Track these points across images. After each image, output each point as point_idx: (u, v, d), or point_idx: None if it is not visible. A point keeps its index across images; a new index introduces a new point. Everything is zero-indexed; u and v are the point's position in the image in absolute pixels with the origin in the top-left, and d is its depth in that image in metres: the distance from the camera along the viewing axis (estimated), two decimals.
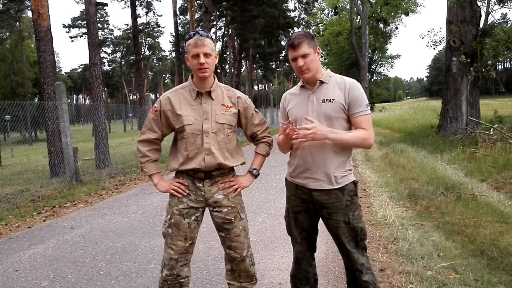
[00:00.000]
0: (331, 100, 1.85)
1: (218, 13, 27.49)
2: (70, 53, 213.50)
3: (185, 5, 30.83)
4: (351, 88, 1.86)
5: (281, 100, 2.13)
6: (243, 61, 32.12)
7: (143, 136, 2.08)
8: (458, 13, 10.99)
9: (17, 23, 34.61)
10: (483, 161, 6.96)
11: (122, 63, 54.16)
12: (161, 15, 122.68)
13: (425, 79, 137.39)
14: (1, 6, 32.16)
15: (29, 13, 29.33)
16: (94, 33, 9.55)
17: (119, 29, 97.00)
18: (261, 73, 49.39)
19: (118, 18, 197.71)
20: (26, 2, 29.37)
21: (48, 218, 4.94)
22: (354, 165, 2.07)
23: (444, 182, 5.51)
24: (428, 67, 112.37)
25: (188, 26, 32.44)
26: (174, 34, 25.06)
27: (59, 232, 4.29)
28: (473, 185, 5.46)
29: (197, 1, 26.11)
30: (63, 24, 49.90)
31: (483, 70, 10.86)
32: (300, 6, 37.03)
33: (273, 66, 45.11)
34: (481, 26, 11.31)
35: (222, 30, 33.17)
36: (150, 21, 48.29)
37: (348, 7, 30.89)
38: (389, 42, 36.38)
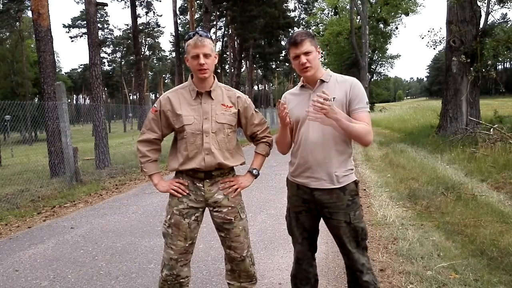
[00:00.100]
0: (332, 99, 1.85)
1: (218, 13, 27.50)
2: (70, 53, 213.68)
3: (185, 5, 30.83)
4: (352, 85, 1.87)
5: (280, 100, 2.13)
6: (243, 61, 32.11)
7: (143, 136, 2.08)
8: (458, 13, 10.99)
9: (17, 23, 34.61)
10: (483, 161, 6.96)
11: (122, 63, 54.18)
12: (161, 15, 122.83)
13: (425, 79, 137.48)
14: (1, 6, 32.17)
15: (29, 13, 29.36)
16: (94, 33, 9.55)
17: (119, 29, 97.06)
18: (261, 73, 49.39)
19: (118, 18, 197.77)
20: (26, 2, 29.38)
21: (48, 218, 4.94)
22: (354, 165, 2.07)
23: (444, 182, 5.51)
24: (428, 67, 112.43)
25: (188, 26, 32.46)
26: (174, 34, 25.08)
27: (59, 232, 4.29)
28: (473, 185, 5.46)
29: (197, 1, 26.12)
30: (63, 24, 49.94)
31: (483, 70, 10.87)
32: (300, 6, 37.07)
33: (273, 66, 45.10)
34: (481, 26, 11.32)
35: (222, 30, 33.20)
36: (150, 21, 48.35)
37: (348, 7, 30.90)
38: (389, 42, 36.37)
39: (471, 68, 10.80)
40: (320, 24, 36.60)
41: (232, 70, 28.74)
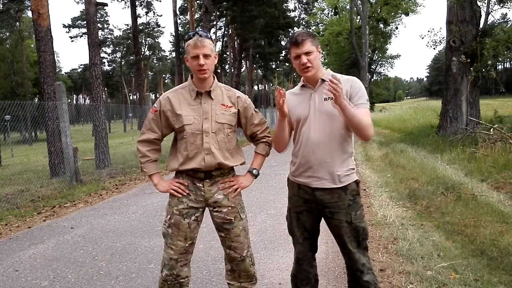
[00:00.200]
0: (333, 98, 1.85)
1: (218, 13, 27.49)
2: (70, 53, 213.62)
3: (185, 5, 30.83)
4: (353, 83, 1.88)
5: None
6: (243, 61, 32.11)
7: (143, 136, 2.08)
8: (458, 13, 10.99)
9: (17, 23, 34.61)
10: (483, 161, 6.97)
11: (122, 63, 54.18)
12: (161, 15, 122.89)
13: (425, 79, 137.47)
14: (1, 6, 32.17)
15: (29, 13, 29.35)
16: (94, 33, 9.55)
17: (119, 29, 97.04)
18: (261, 73, 49.38)
19: (118, 18, 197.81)
20: (26, 2, 29.37)
21: (48, 218, 4.94)
22: (355, 165, 2.07)
23: (444, 182, 5.51)
24: (428, 67, 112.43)
25: (188, 26, 32.46)
26: (174, 34, 25.08)
27: (59, 232, 4.29)
28: (473, 185, 5.46)
29: (197, 1, 26.11)
30: (63, 24, 49.95)
31: (483, 70, 10.87)
32: (300, 6, 37.06)
33: (273, 66, 45.08)
34: (481, 26, 11.32)
35: (222, 30, 33.19)
36: (150, 21, 48.37)
37: (348, 7, 30.89)
38: (389, 42, 36.34)
39: (471, 68, 10.80)
40: (320, 24, 36.59)
41: (232, 70, 28.74)
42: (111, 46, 54.04)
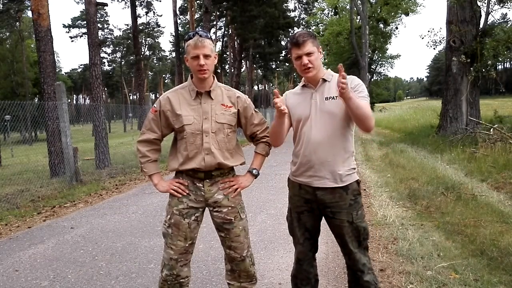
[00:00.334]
0: (334, 98, 1.86)
1: (218, 13, 27.50)
2: (70, 53, 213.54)
3: (185, 5, 30.84)
4: (353, 79, 1.88)
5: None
6: (243, 61, 32.11)
7: (143, 136, 2.08)
8: (458, 13, 11.00)
9: (17, 23, 34.61)
10: (483, 161, 6.97)
11: (122, 63, 54.17)
12: (161, 15, 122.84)
13: (425, 79, 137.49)
14: (1, 6, 32.16)
15: (29, 13, 29.34)
16: (94, 33, 9.55)
17: (119, 29, 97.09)
18: (261, 73, 49.38)
19: (118, 18, 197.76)
20: (26, 2, 29.37)
21: (48, 218, 4.94)
22: (356, 164, 2.07)
23: (444, 182, 5.51)
24: (428, 67, 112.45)
25: (188, 26, 32.46)
26: (174, 34, 25.08)
27: (59, 232, 4.29)
28: (473, 185, 5.46)
29: (197, 1, 26.11)
30: (63, 24, 49.95)
31: (483, 70, 10.88)
32: (300, 6, 37.06)
33: (273, 66, 45.08)
34: (481, 26, 11.32)
35: (222, 30, 33.19)
36: (150, 21, 48.38)
37: (348, 7, 30.88)
38: (389, 42, 36.33)
39: (471, 68, 10.80)
40: (320, 24, 36.57)
41: (232, 70, 28.74)
42: (111, 46, 54.05)
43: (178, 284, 2.04)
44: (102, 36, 48.78)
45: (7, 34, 36.71)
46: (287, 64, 44.13)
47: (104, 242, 3.86)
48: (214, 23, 29.65)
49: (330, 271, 2.96)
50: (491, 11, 12.09)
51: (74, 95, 77.47)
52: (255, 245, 3.49)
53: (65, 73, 65.59)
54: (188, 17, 29.02)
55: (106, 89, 57.69)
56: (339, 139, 1.87)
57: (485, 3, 11.86)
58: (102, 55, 52.53)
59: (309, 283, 2.08)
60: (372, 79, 40.63)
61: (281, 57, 37.26)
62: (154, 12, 65.98)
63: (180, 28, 30.21)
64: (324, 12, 36.77)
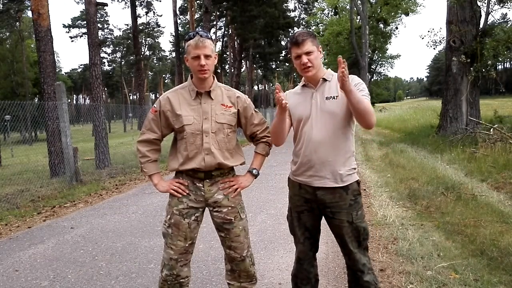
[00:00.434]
0: (335, 97, 1.86)
1: (218, 13, 27.49)
2: (70, 53, 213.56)
3: (185, 5, 30.83)
4: (354, 78, 1.88)
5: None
6: (243, 61, 32.10)
7: (143, 136, 2.08)
8: (458, 13, 11.00)
9: (17, 23, 34.61)
10: (483, 161, 6.97)
11: (122, 63, 54.15)
12: (161, 15, 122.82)
13: (425, 79, 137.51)
14: (1, 6, 32.16)
15: (29, 13, 29.33)
16: (94, 33, 9.55)
17: (119, 29, 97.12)
18: (261, 73, 49.38)
19: (118, 18, 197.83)
20: (26, 2, 29.36)
21: (48, 218, 4.94)
22: (356, 164, 2.07)
23: (444, 182, 5.51)
24: (428, 67, 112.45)
25: (188, 26, 32.46)
26: (174, 34, 25.08)
27: (59, 232, 4.29)
28: (473, 185, 5.46)
29: (197, 1, 26.11)
30: (63, 24, 49.93)
31: (483, 70, 10.88)
32: (300, 6, 37.05)
33: (273, 66, 45.07)
34: (481, 26, 11.32)
35: (222, 30, 33.18)
36: (150, 21, 48.35)
37: (348, 7, 30.89)
38: (389, 42, 36.33)
39: (471, 68, 10.80)
40: (320, 24, 36.57)
41: (232, 70, 28.74)
42: (111, 46, 54.03)
43: (178, 284, 2.04)
44: (102, 36, 48.77)
45: (7, 34, 36.71)
46: (287, 64, 44.11)
47: (104, 242, 3.86)
48: (214, 23, 29.64)
49: (330, 271, 2.96)
50: (491, 11, 12.10)
51: (74, 95, 77.47)
52: (255, 245, 3.49)
53: (65, 73, 65.61)
54: (188, 17, 29.02)
55: (106, 89, 57.69)
56: (339, 139, 1.87)
57: (485, 3, 11.87)
58: (102, 55, 52.55)
59: (309, 282, 2.08)
60: (372, 79, 40.63)
61: (281, 57, 37.26)
62: (154, 12, 66.02)
63: (180, 28, 30.22)
64: (324, 12, 36.78)
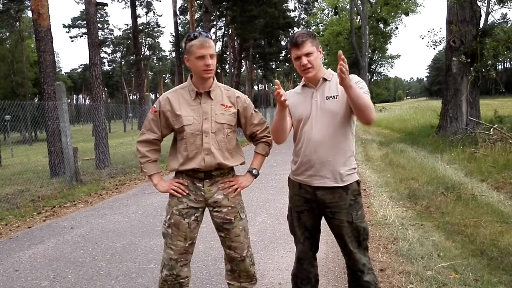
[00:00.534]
0: (335, 97, 1.86)
1: (218, 13, 27.48)
2: (70, 53, 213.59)
3: (185, 5, 30.83)
4: (354, 77, 1.87)
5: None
6: (243, 61, 32.10)
7: (143, 136, 2.08)
8: (458, 13, 10.99)
9: (17, 23, 34.61)
10: (483, 161, 6.96)
11: (122, 63, 54.15)
12: (161, 15, 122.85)
13: (425, 79, 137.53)
14: (1, 6, 32.16)
15: (29, 13, 29.33)
16: (94, 33, 9.55)
17: (119, 29, 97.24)
18: (261, 73, 49.38)
19: (118, 18, 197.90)
20: (26, 2, 29.36)
21: (48, 218, 4.94)
22: (356, 164, 2.06)
23: (444, 182, 5.51)
24: (428, 67, 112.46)
25: (188, 26, 32.45)
26: (174, 34, 25.08)
27: (59, 232, 4.29)
28: (473, 185, 5.46)
29: (197, 1, 26.11)
30: (63, 24, 49.94)
31: (483, 70, 10.87)
32: (300, 6, 37.04)
33: (273, 66, 45.06)
34: (481, 26, 11.32)
35: (222, 30, 33.17)
36: (150, 21, 48.36)
37: (348, 7, 30.91)
38: (389, 42, 36.39)
39: (471, 68, 10.80)
40: (320, 24, 36.62)
41: (232, 70, 28.74)
42: (111, 46, 54.04)
43: (178, 284, 2.04)
44: (102, 36, 48.77)
45: (7, 34, 36.71)
46: (287, 64, 44.12)
47: (104, 242, 3.86)
48: (214, 23, 29.64)
49: (330, 271, 2.96)
50: (491, 11, 12.09)
51: (74, 95, 77.47)
52: (255, 245, 3.49)
53: (65, 73, 65.61)
54: (188, 17, 29.02)
55: (106, 89, 57.69)
56: (339, 138, 1.87)
57: (485, 3, 11.87)
58: (102, 55, 52.55)
59: (309, 282, 2.08)
60: (372, 79, 40.66)
61: (281, 57, 37.24)
62: (154, 12, 66.04)
63: (180, 28, 30.22)
64: (324, 12, 36.84)
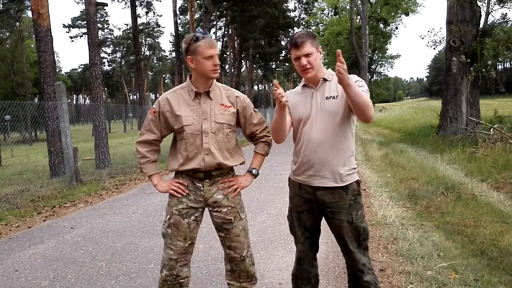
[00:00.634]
0: (335, 97, 1.86)
1: (218, 13, 27.48)
2: (70, 53, 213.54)
3: (185, 5, 30.83)
4: (353, 77, 1.88)
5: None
6: (243, 61, 32.09)
7: (142, 137, 2.08)
8: (458, 13, 10.99)
9: (17, 23, 34.61)
10: (483, 161, 6.96)
11: (122, 63, 54.16)
12: (161, 15, 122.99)
13: (425, 79, 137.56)
14: (1, 6, 32.16)
15: (29, 13, 29.33)
16: (94, 33, 9.56)
17: (119, 29, 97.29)
18: (261, 73, 49.37)
19: (118, 18, 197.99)
20: (26, 2, 29.36)
21: (48, 218, 4.94)
22: (356, 164, 2.06)
23: (444, 182, 5.51)
24: (428, 67, 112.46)
25: (188, 26, 32.45)
26: (174, 34, 25.08)
27: (59, 232, 4.29)
28: (473, 185, 5.46)
29: (197, 1, 26.10)
30: (63, 24, 49.99)
31: (483, 70, 10.87)
32: (300, 6, 37.03)
33: (273, 66, 45.06)
34: (481, 26, 11.32)
35: (222, 30, 33.20)
36: (150, 21, 48.37)
37: (348, 7, 30.92)
38: (389, 42, 36.41)
39: (471, 68, 10.80)
40: (320, 24, 36.64)
41: (232, 70, 28.74)
42: (111, 46, 54.05)
43: (178, 284, 2.03)
44: (102, 36, 48.78)
45: (7, 34, 36.71)
46: (287, 64, 44.12)
47: (104, 242, 3.86)
48: (214, 23, 29.65)
49: (330, 271, 2.96)
50: (491, 11, 12.10)
51: (74, 95, 77.47)
52: (255, 245, 3.49)
53: (65, 73, 65.61)
54: (188, 17, 29.02)
55: (106, 89, 57.68)
56: (339, 138, 1.87)
57: (485, 3, 11.87)
58: (102, 55, 52.56)
59: (309, 282, 2.08)
60: (372, 79, 40.67)
61: (281, 57, 37.25)
62: (154, 12, 66.06)
63: (180, 28, 30.20)
64: (324, 12, 36.86)
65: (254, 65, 40.49)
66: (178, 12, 26.36)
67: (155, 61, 62.97)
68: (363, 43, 20.97)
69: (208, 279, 2.88)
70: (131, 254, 3.48)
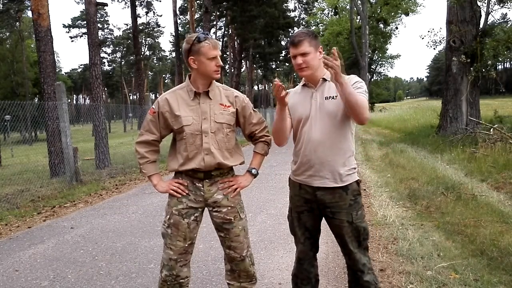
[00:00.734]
0: (334, 97, 1.86)
1: (218, 13, 27.49)
2: (70, 53, 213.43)
3: (185, 5, 30.83)
4: (353, 77, 1.88)
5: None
6: (243, 61, 32.11)
7: (141, 137, 2.08)
8: (458, 13, 11.00)
9: (17, 23, 34.63)
10: (483, 161, 6.96)
11: (122, 63, 54.19)
12: (161, 15, 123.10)
13: (425, 79, 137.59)
14: (1, 6, 32.17)
15: (29, 13, 29.34)
16: (94, 33, 9.56)
17: (119, 29, 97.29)
18: (261, 73, 49.38)
19: (118, 18, 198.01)
20: (26, 2, 29.37)
21: (48, 218, 4.94)
22: (356, 164, 2.06)
23: (444, 182, 5.51)
24: (428, 67, 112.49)
25: (188, 26, 32.45)
26: (174, 34, 25.07)
27: (59, 232, 4.29)
28: (473, 185, 5.46)
29: (197, 1, 26.10)
30: (63, 24, 50.03)
31: (483, 70, 10.88)
32: (300, 6, 37.05)
33: (273, 66, 45.08)
34: (481, 26, 11.32)
35: (222, 30, 33.20)
36: (150, 21, 48.41)
37: (348, 7, 30.92)
38: (389, 42, 36.41)
39: (471, 68, 10.80)
40: (320, 24, 36.64)
41: (232, 70, 28.74)
42: (111, 46, 54.08)
43: (178, 284, 2.03)
44: (102, 36, 48.81)
45: (7, 34, 36.72)
46: (287, 64, 44.12)
47: (104, 242, 3.86)
48: (214, 23, 29.65)
49: (330, 271, 2.96)
50: (491, 11, 12.11)
51: (74, 95, 77.48)
52: (255, 245, 3.49)
53: (65, 73, 65.62)
54: (188, 17, 29.01)
55: (106, 89, 57.69)
56: (339, 138, 1.87)
57: (485, 3, 11.88)
58: (102, 55, 52.57)
59: (309, 282, 2.08)
60: (372, 79, 40.67)
61: (281, 57, 37.27)
62: (154, 12, 66.13)
63: (180, 28, 30.21)
64: (324, 12, 36.87)
65: (254, 65, 40.50)
66: (178, 12, 26.35)
67: (155, 61, 63.00)
68: (363, 43, 20.97)
69: (208, 279, 2.88)
70: (131, 254, 3.48)
